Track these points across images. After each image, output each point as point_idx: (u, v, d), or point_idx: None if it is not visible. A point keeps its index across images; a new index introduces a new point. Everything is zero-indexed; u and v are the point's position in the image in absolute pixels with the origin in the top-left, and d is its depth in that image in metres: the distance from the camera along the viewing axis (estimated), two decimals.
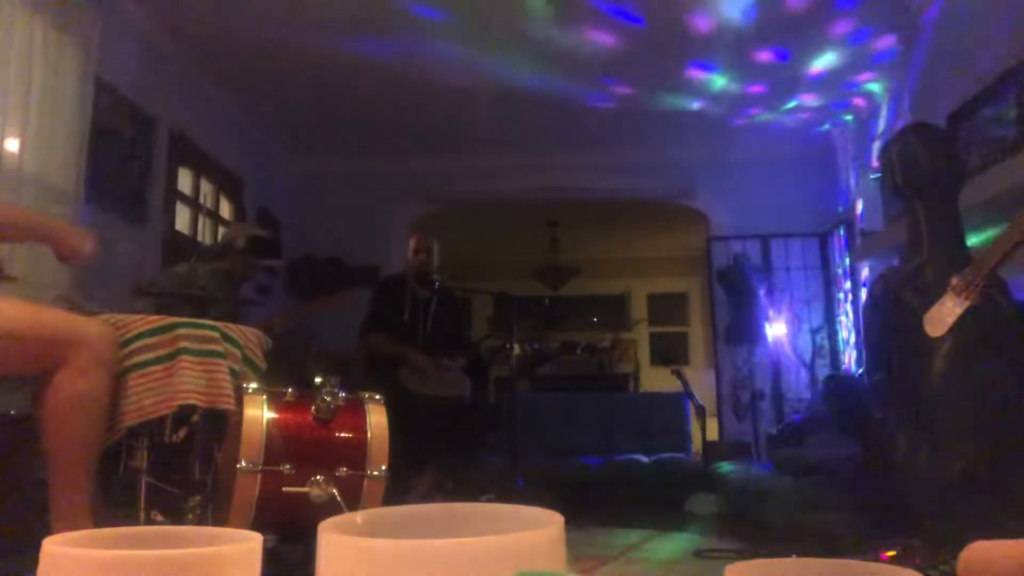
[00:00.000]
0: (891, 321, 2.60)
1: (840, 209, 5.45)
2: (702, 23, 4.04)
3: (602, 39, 4.22)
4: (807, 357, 5.54)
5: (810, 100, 5.02)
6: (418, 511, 0.94)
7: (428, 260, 4.18)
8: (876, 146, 4.69)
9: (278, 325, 3.50)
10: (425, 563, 0.70)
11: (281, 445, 2.00)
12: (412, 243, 4.26)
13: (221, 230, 4.91)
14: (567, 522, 0.80)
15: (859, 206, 5.07)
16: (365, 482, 2.05)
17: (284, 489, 1.96)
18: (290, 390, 2.11)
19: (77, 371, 1.79)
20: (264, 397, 2.06)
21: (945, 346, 2.34)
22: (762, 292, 5.59)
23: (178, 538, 0.95)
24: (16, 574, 1.63)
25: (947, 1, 3.73)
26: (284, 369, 2.41)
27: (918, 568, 1.08)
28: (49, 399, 1.79)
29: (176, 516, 2.15)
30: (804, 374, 5.52)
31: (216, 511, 2.15)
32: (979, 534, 1.09)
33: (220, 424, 2.26)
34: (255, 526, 1.89)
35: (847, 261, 5.35)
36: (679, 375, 5.29)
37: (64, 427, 1.79)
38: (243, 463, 1.95)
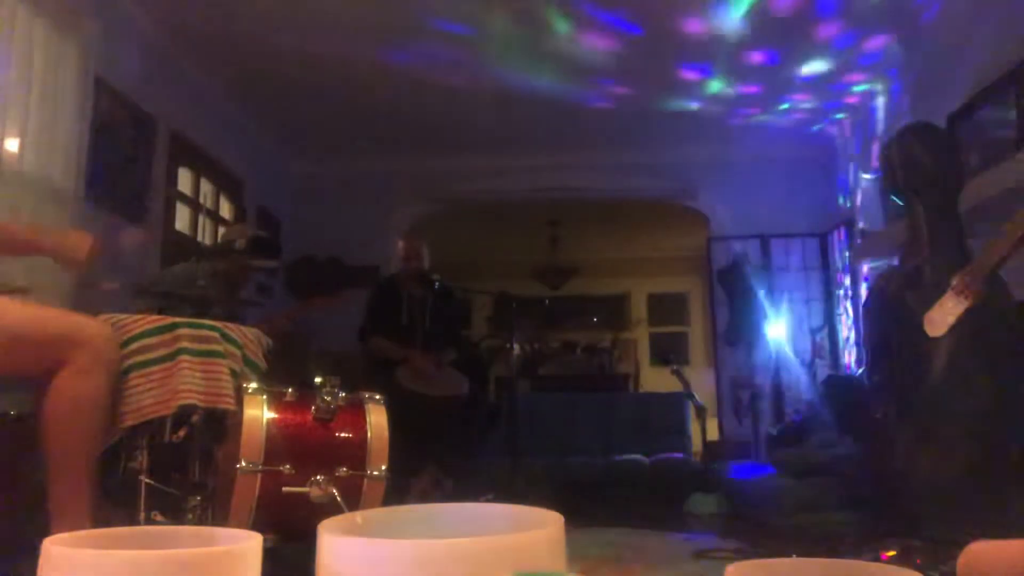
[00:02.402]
0: (891, 321, 2.60)
1: (840, 209, 5.45)
2: (700, 26, 4.04)
3: (601, 42, 4.21)
4: (807, 357, 5.54)
5: (810, 100, 5.01)
6: (418, 511, 0.94)
7: (419, 264, 4.17)
8: (876, 146, 4.69)
9: (278, 325, 3.49)
10: (425, 563, 0.70)
11: (281, 445, 2.00)
12: (400, 250, 4.24)
13: (221, 230, 4.91)
14: (567, 522, 0.80)
15: (859, 206, 5.07)
16: (365, 482, 2.06)
17: (284, 489, 1.96)
18: (290, 390, 2.11)
19: (79, 371, 1.79)
20: (264, 397, 2.06)
21: (945, 346, 2.35)
22: (762, 292, 5.59)
23: (178, 538, 0.95)
24: (16, 574, 1.63)
25: (947, 1, 3.73)
26: (284, 369, 2.40)
27: (918, 568, 1.08)
28: (50, 400, 1.78)
29: (176, 516, 2.14)
30: (804, 374, 5.51)
31: (216, 511, 2.15)
32: (979, 534, 1.09)
33: (220, 424, 2.26)
34: (255, 526, 1.89)
35: (847, 261, 5.35)
36: (679, 375, 5.27)
37: (65, 428, 1.78)
38: (243, 463, 1.95)
